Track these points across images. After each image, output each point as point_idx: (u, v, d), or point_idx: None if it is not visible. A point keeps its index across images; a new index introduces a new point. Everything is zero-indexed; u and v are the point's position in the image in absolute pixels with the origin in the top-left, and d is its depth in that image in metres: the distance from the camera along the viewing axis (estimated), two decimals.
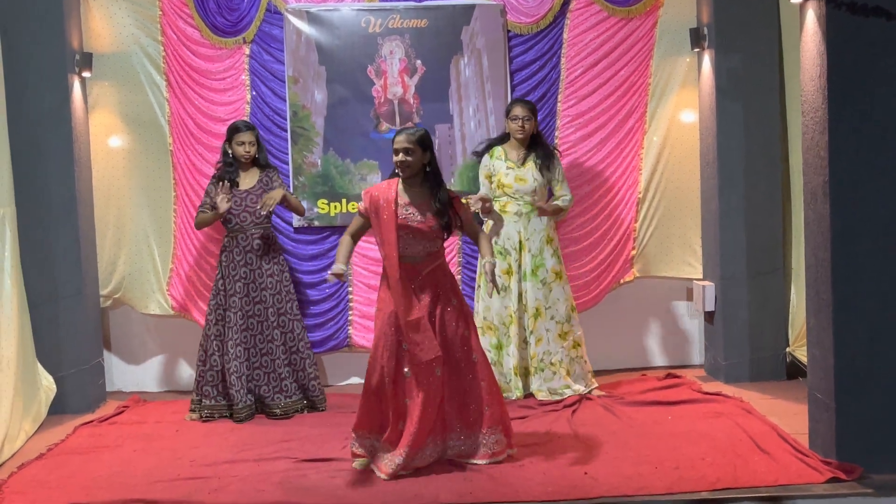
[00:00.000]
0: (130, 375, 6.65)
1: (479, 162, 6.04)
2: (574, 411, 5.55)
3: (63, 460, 4.97)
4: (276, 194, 5.71)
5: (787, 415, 5.26)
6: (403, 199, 4.65)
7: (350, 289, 6.48)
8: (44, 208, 5.83)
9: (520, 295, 5.87)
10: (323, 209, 6.38)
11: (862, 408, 4.35)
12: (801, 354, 5.93)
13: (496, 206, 5.92)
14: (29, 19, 5.74)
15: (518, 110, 5.88)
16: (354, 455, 4.73)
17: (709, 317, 6.42)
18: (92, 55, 6.14)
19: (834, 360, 4.36)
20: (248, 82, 6.39)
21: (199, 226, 5.89)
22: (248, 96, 6.39)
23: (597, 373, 6.43)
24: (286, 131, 6.36)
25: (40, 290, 5.81)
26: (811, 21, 4.42)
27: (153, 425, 5.63)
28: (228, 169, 5.80)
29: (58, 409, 5.80)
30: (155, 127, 6.36)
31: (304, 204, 6.25)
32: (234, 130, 5.80)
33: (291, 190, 6.26)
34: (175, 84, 6.34)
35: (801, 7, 4.54)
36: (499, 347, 5.89)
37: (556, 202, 5.94)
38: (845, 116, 4.28)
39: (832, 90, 4.28)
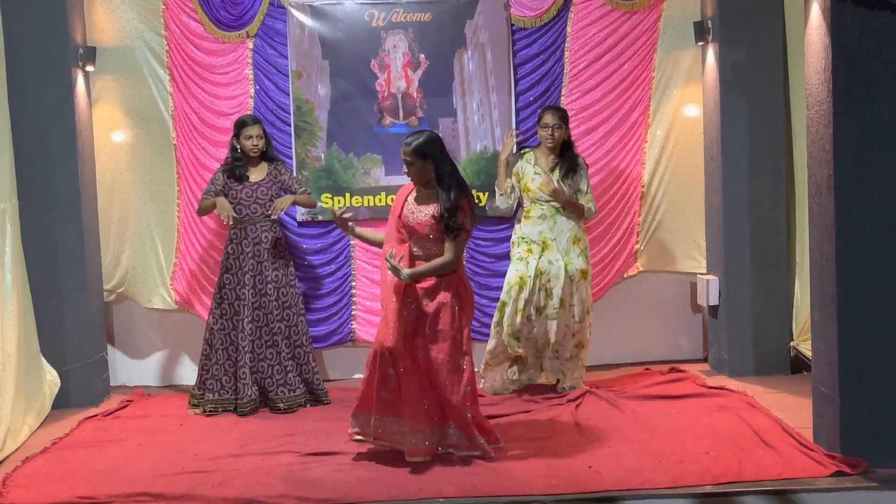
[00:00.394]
0: (134, 370, 6.66)
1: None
2: (578, 405, 5.55)
3: (67, 454, 4.98)
4: (286, 201, 5.75)
5: (792, 409, 5.26)
6: (413, 196, 4.81)
7: (353, 284, 6.49)
8: (47, 203, 5.83)
9: (538, 272, 5.73)
10: (327, 203, 6.38)
11: (866, 402, 4.35)
12: (806, 348, 5.92)
13: (521, 214, 5.93)
14: (32, 14, 5.74)
15: (548, 118, 5.79)
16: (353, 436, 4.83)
17: (713, 311, 6.42)
18: (95, 49, 6.13)
19: (838, 353, 4.35)
20: (251, 76, 6.38)
21: (201, 212, 5.89)
22: (252, 90, 6.38)
23: (601, 367, 6.45)
24: (290, 126, 6.36)
25: (44, 285, 5.82)
26: (816, 14, 4.41)
27: (157, 419, 5.64)
28: (237, 164, 5.81)
29: (62, 403, 5.81)
30: (158, 121, 6.36)
31: None
32: (241, 125, 5.80)
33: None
34: (178, 78, 6.33)
35: (806, 0, 4.52)
36: (502, 307, 5.75)
37: (577, 201, 5.79)
38: (850, 110, 4.27)
39: (837, 83, 4.27)
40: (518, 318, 5.70)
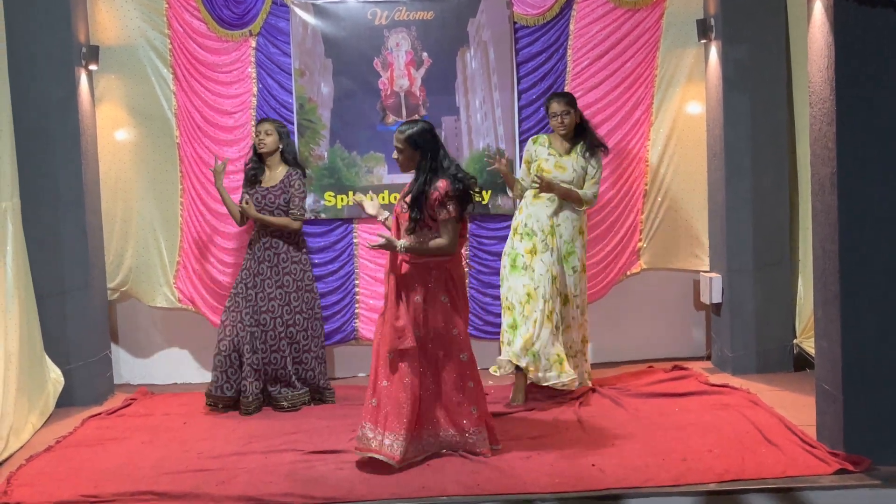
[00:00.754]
0: (138, 368, 6.67)
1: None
2: (581, 403, 5.55)
3: (71, 452, 4.98)
4: (251, 212, 5.67)
5: (795, 406, 5.25)
6: (405, 188, 4.80)
7: (357, 282, 6.49)
8: (51, 201, 5.83)
9: (552, 278, 5.60)
10: (329, 202, 6.39)
11: (869, 399, 4.34)
12: (809, 346, 5.92)
13: (529, 194, 5.74)
14: (35, 12, 5.74)
15: (555, 106, 5.69)
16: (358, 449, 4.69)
17: (716, 308, 6.42)
18: (98, 48, 6.14)
19: (841, 351, 4.35)
20: (254, 75, 6.39)
21: (238, 221, 5.90)
22: (255, 89, 6.39)
23: (604, 365, 6.45)
24: (293, 124, 6.36)
25: (47, 284, 5.83)
26: (819, 12, 4.40)
27: (161, 418, 5.65)
28: (250, 165, 5.86)
29: (66, 401, 5.82)
30: (161, 120, 6.37)
31: (311, 196, 6.30)
32: (257, 122, 5.91)
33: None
34: (182, 77, 6.34)
35: None
36: (513, 327, 5.63)
37: (574, 189, 5.69)
38: (853, 107, 4.26)
39: (840, 81, 4.26)
40: (546, 331, 5.52)
